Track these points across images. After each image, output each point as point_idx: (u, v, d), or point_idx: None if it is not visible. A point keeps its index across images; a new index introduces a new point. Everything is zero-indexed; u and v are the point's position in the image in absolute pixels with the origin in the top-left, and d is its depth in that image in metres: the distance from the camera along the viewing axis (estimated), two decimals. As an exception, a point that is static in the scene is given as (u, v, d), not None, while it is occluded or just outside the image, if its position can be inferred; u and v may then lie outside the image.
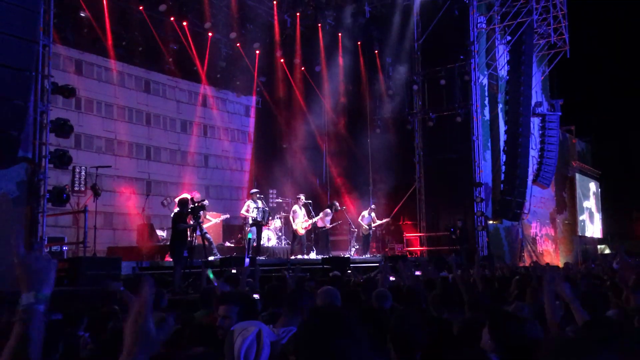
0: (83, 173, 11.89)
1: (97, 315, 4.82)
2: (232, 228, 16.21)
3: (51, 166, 9.53)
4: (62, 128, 9.50)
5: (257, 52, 19.21)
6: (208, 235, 12.39)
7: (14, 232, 1.87)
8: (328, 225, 15.81)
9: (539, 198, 21.14)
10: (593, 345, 2.70)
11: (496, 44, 18.57)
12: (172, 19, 16.41)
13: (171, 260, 10.66)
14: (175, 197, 13.15)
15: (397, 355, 2.99)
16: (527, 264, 17.40)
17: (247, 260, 11.34)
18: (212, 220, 14.34)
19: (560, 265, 18.76)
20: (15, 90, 8.03)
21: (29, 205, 8.74)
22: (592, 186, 29.53)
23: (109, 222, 15.58)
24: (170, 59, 17.28)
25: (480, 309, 4.14)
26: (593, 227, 29.10)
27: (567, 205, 25.36)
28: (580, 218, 26.84)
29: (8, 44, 7.90)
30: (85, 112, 15.51)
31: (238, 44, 18.67)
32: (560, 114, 20.49)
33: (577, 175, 26.81)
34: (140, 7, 15.66)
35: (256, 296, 6.43)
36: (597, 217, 29.98)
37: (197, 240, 11.49)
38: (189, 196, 11.62)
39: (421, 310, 4.75)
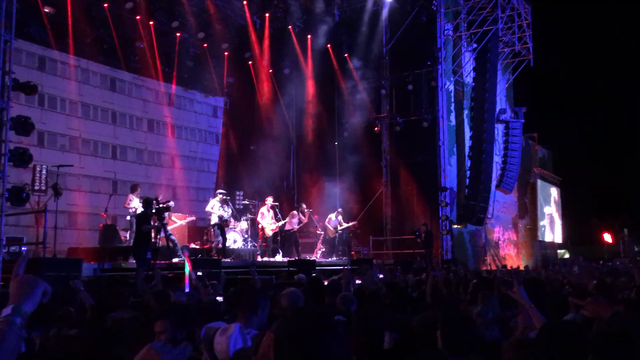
0: (44, 172, 11.62)
1: (50, 317, 4.72)
2: (198, 230, 16.06)
3: (11, 164, 9.30)
4: (23, 125, 9.27)
5: (226, 53, 19.11)
6: (173, 237, 12.23)
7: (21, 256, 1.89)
8: (295, 227, 15.79)
9: (502, 203, 21.53)
10: (549, 348, 2.78)
11: (462, 51, 18.87)
12: (138, 17, 16.20)
13: (134, 261, 10.49)
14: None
15: (357, 357, 3.02)
16: (490, 268, 17.70)
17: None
18: (177, 222, 14.19)
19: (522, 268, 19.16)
20: (-27, 86, 7.82)
21: (-14, 204, 8.50)
22: (553, 192, 30.24)
23: (73, 222, 15.29)
24: (137, 57, 17.07)
25: (440, 311, 4.21)
26: (554, 232, 29.79)
27: (529, 210, 25.90)
28: (541, 223, 27.44)
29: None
30: (48, 109, 15.21)
31: (205, 45, 18.54)
32: (523, 121, 20.91)
33: (539, 182, 27.42)
34: (105, 5, 15.42)
35: (219, 299, 6.40)
36: (558, 222, 30.70)
37: (162, 242, 11.35)
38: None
39: (381, 313, 4.79)
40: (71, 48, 15.37)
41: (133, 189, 13.14)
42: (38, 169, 11.53)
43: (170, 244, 11.14)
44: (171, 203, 11.27)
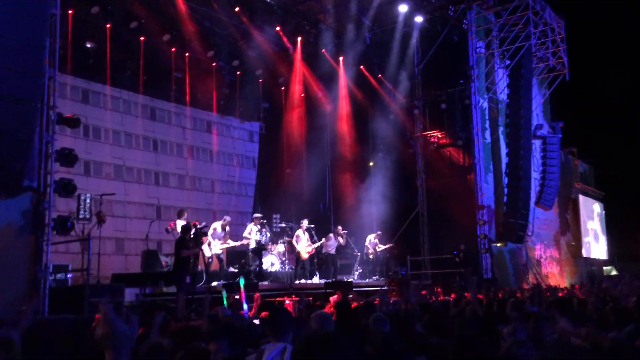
0: (88, 200, 12.03)
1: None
2: (236, 254, 16.29)
3: (56, 195, 9.69)
4: (67, 157, 9.66)
5: (260, 79, 19.52)
6: (210, 261, 12.49)
7: (103, 304, 2.11)
8: (331, 250, 15.86)
9: (542, 220, 21.14)
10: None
11: (495, 68, 18.79)
12: (173, 49, 16.75)
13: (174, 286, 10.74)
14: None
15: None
16: (533, 287, 17.33)
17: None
18: (231, 244, 14.41)
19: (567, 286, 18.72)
20: (21, 122, 8.24)
21: (33, 234, 8.86)
22: (597, 207, 29.47)
23: (120, 248, 15.75)
24: (175, 87, 17.60)
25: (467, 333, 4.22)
26: (598, 249, 28.96)
27: (571, 226, 25.30)
28: (585, 239, 26.74)
29: (15, 78, 8.14)
30: (93, 140, 15.80)
31: (239, 72, 19.00)
32: (560, 136, 20.59)
33: (581, 197, 26.79)
34: (142, 38, 16.01)
35: (256, 321, 6.54)
36: (602, 238, 29.84)
37: (201, 266, 11.60)
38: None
39: (413, 334, 4.82)
40: (112, 80, 15.98)
41: (180, 215, 13.49)
42: (82, 197, 11.93)
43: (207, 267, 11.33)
44: (207, 228, 11.49)
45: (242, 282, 9.13)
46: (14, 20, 8.10)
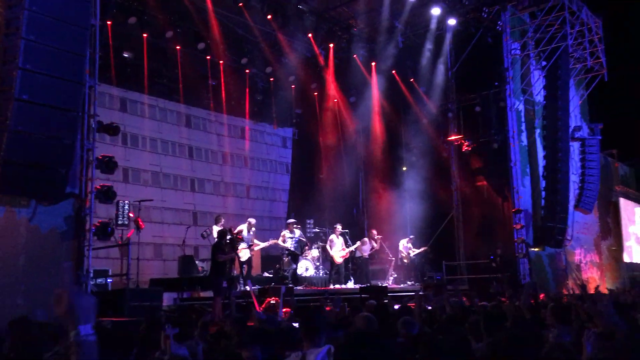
0: (126, 207, 12.29)
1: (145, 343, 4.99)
2: (271, 258, 16.41)
3: (97, 201, 9.95)
4: (107, 164, 9.94)
5: (293, 85, 19.65)
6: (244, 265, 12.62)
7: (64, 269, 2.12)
8: (365, 254, 15.83)
9: (582, 224, 20.65)
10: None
11: (531, 70, 18.46)
12: (208, 57, 17.01)
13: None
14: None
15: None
16: (572, 292, 16.95)
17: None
18: (261, 244, 14.54)
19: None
20: (63, 130, 8.49)
21: (76, 239, 9.11)
22: (638, 211, 28.65)
23: (158, 253, 16.05)
24: (209, 95, 17.87)
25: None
26: (641, 253, 28.13)
27: (612, 230, 24.64)
28: (627, 244, 26.01)
29: (57, 87, 8.39)
30: (131, 147, 16.16)
31: (273, 78, 19.17)
32: (600, 137, 20.09)
33: (621, 200, 26.08)
34: (178, 47, 16.32)
35: (296, 325, 6.58)
36: (645, 242, 28.98)
37: (237, 271, 11.71)
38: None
39: (460, 338, 4.78)
40: (149, 89, 16.33)
41: (217, 220, 13.69)
42: (121, 204, 12.21)
43: (244, 271, 11.45)
44: (244, 232, 11.62)
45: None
46: (56, 31, 8.36)
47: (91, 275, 9.67)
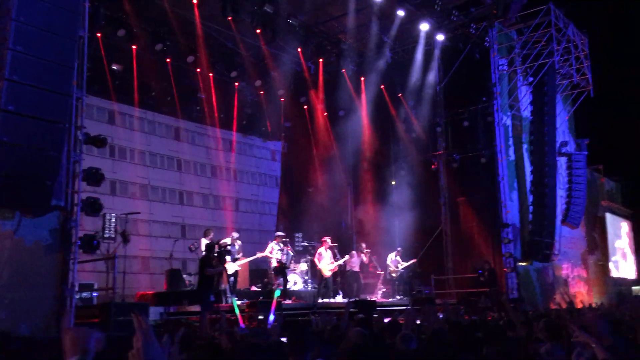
0: (113, 220, 12.17)
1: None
2: (259, 272, 16.30)
3: (83, 213, 9.83)
4: (94, 176, 9.83)
5: (282, 99, 19.68)
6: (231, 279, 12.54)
7: (140, 320, 2.08)
8: (355, 268, 15.77)
9: (569, 238, 20.76)
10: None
11: (518, 85, 18.66)
12: (198, 70, 17.00)
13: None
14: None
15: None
16: (560, 307, 16.98)
17: None
18: (246, 259, 14.44)
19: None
20: (49, 142, 8.39)
21: (61, 252, 8.98)
22: (624, 226, 28.89)
23: (146, 267, 15.87)
24: (198, 107, 17.84)
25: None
26: (627, 268, 28.32)
27: (599, 245, 24.81)
28: (613, 258, 26.18)
29: (44, 98, 8.30)
30: (119, 159, 16.04)
31: (262, 92, 19.19)
32: (586, 153, 20.29)
33: (608, 215, 26.30)
34: (168, 60, 16.30)
35: (284, 339, 6.51)
36: (631, 257, 29.19)
37: (224, 285, 11.61)
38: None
39: (446, 353, 4.76)
40: (138, 101, 16.27)
41: (205, 234, 13.59)
42: (107, 217, 12.09)
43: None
44: (230, 246, 11.55)
45: (277, 293, 9.11)
46: (43, 42, 8.29)
47: (76, 289, 9.52)
